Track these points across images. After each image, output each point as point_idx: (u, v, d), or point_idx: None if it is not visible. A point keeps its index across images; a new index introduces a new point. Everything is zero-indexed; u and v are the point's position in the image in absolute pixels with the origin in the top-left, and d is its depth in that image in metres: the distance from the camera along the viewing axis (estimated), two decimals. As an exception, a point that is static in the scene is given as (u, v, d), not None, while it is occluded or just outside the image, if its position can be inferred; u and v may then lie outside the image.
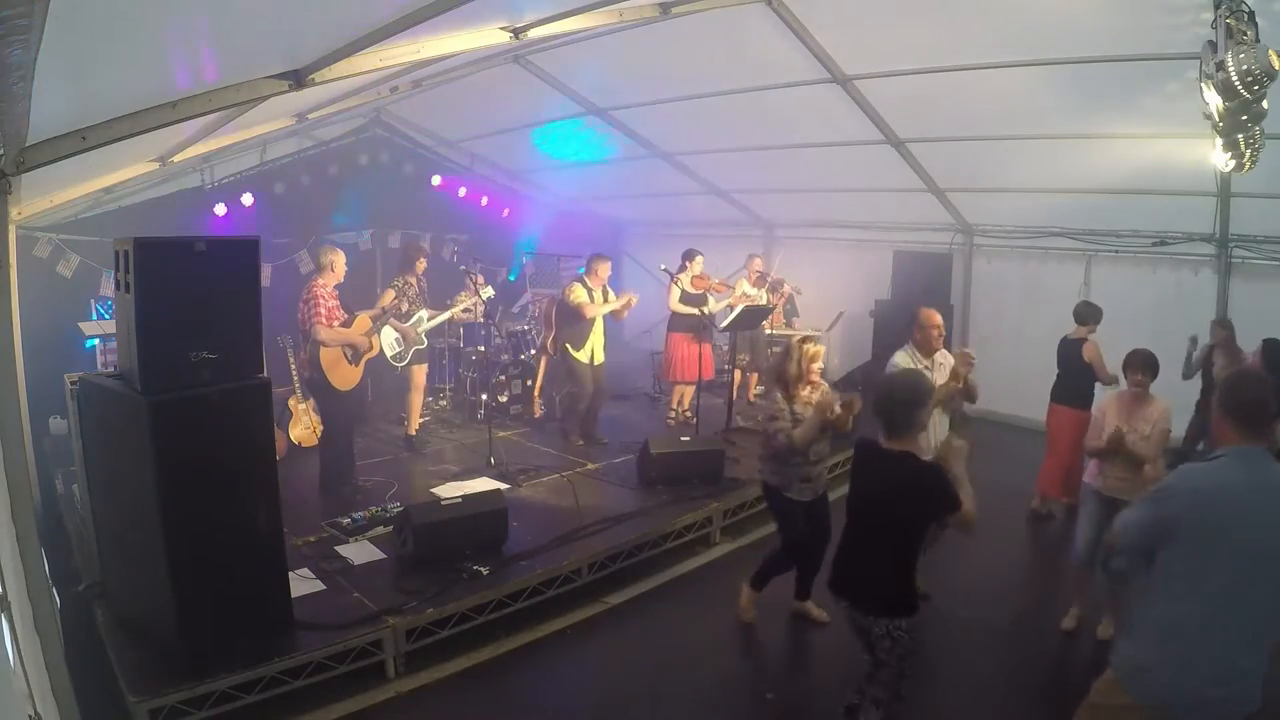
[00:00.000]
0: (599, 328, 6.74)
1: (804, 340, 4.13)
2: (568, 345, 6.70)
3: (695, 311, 7.24)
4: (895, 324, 8.15)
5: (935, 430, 4.42)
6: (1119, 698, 2.29)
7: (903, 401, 2.82)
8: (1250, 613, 2.13)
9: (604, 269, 6.76)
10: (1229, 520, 2.13)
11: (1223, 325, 6.07)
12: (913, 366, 4.29)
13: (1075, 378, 5.65)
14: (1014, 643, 4.18)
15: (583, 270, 7.10)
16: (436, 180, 9.31)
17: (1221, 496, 2.16)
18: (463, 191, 9.60)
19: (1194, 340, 6.19)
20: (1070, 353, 5.72)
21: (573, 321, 6.68)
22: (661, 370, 8.01)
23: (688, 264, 7.46)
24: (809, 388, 4.05)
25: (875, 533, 2.84)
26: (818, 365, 4.06)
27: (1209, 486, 2.19)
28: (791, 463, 4.00)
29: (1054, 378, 5.92)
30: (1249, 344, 5.71)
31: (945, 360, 4.40)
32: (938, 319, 4.37)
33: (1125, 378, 4.17)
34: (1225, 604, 2.13)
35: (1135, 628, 2.32)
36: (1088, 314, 5.81)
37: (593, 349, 6.72)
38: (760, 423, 4.07)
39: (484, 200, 9.91)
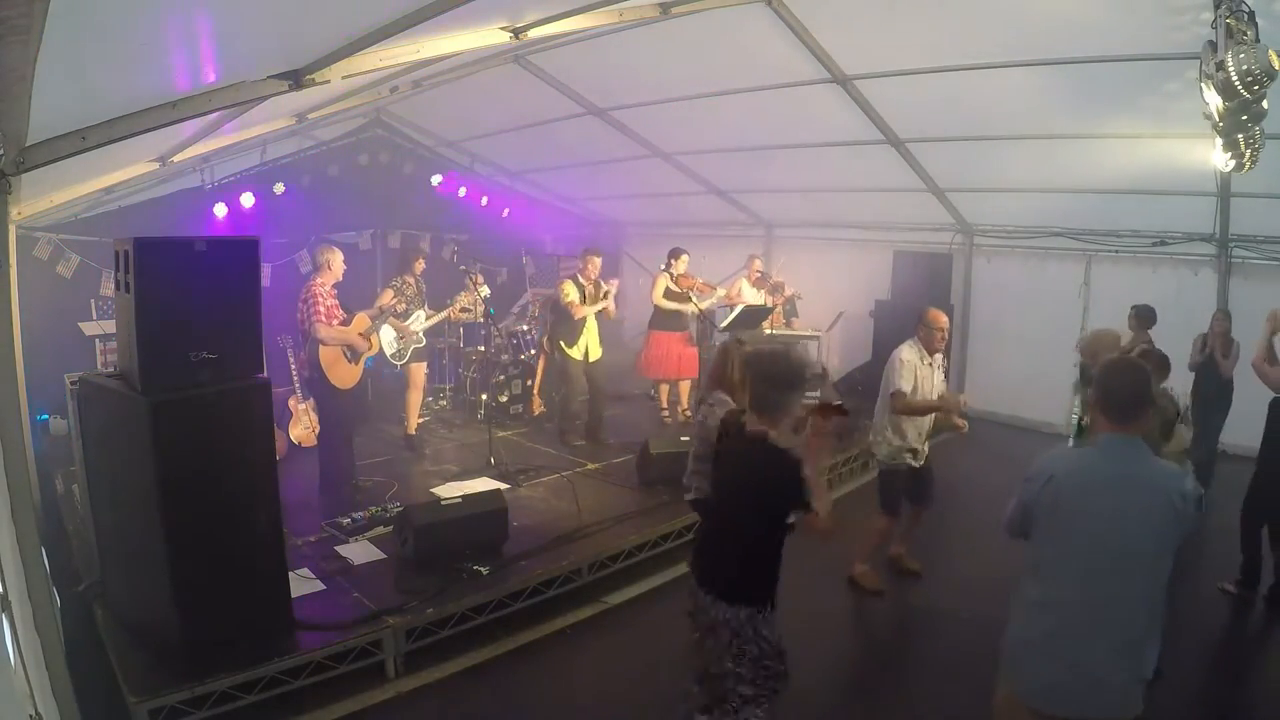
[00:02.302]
0: (592, 324, 6.80)
1: (740, 344, 3.95)
2: (561, 343, 6.76)
3: (680, 308, 7.26)
4: (895, 324, 8.15)
5: (923, 429, 4.46)
6: (1007, 684, 2.28)
7: (779, 381, 2.58)
8: (1111, 606, 2.08)
9: (594, 265, 6.83)
10: (1084, 508, 2.10)
11: (1224, 315, 6.10)
12: (916, 362, 4.39)
13: None
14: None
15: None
16: (437, 180, 9.29)
17: (1077, 484, 2.13)
18: (463, 191, 9.61)
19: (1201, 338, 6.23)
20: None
21: (565, 318, 6.74)
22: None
23: (672, 262, 7.42)
24: None
25: (727, 514, 2.69)
26: None
27: (1064, 473, 2.16)
28: None
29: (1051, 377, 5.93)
30: (1247, 343, 5.71)
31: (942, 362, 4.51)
32: (944, 321, 4.47)
33: None
34: (1085, 593, 2.09)
35: (1013, 609, 2.30)
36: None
37: (587, 345, 6.77)
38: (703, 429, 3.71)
39: (484, 200, 9.91)
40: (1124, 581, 2.07)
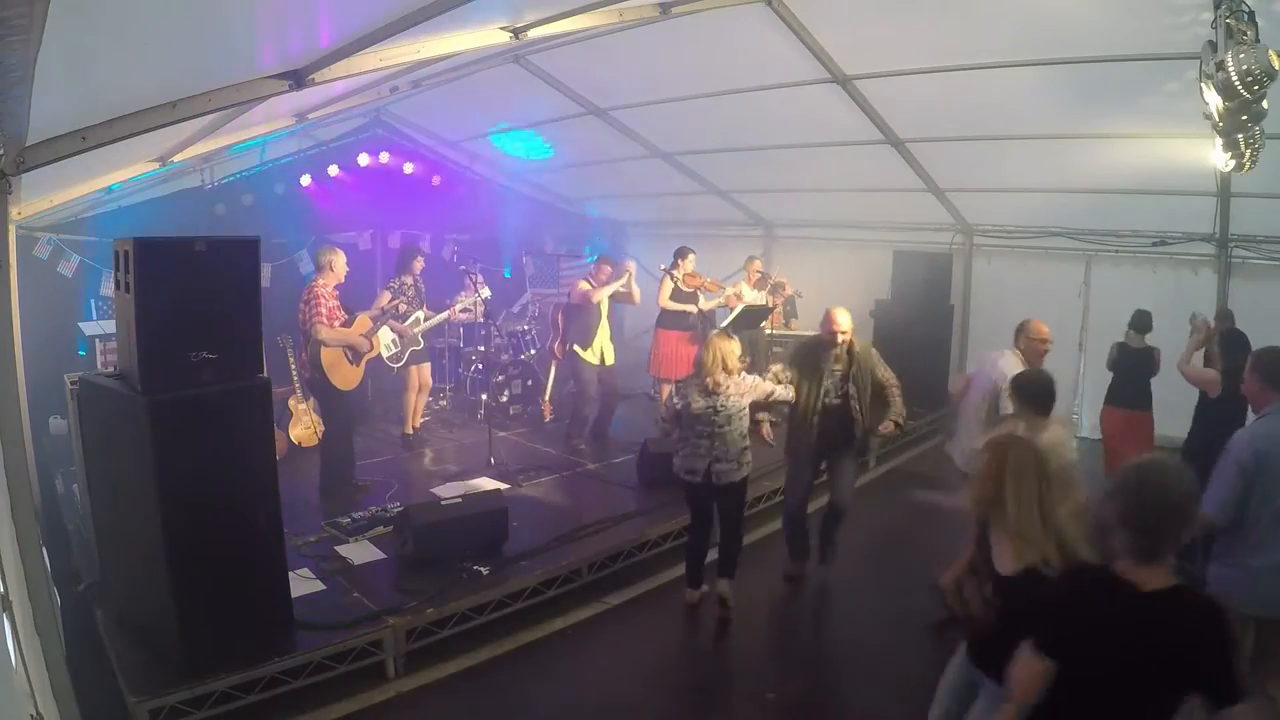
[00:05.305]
0: (605, 327, 6.77)
1: (727, 336, 4.35)
2: (575, 346, 6.73)
3: (686, 308, 7.26)
4: (896, 324, 8.15)
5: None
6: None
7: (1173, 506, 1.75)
8: None
9: (605, 272, 6.87)
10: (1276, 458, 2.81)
11: (1223, 318, 6.06)
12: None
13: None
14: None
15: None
16: (436, 180, 9.29)
17: (1271, 441, 2.86)
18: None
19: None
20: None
21: (579, 318, 6.71)
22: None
23: (679, 261, 7.42)
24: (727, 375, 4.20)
25: None
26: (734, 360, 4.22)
27: (1262, 435, 2.91)
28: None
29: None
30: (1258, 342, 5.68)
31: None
32: (1047, 331, 4.40)
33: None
34: None
35: (1224, 555, 2.93)
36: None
37: (601, 349, 6.75)
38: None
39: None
40: None
